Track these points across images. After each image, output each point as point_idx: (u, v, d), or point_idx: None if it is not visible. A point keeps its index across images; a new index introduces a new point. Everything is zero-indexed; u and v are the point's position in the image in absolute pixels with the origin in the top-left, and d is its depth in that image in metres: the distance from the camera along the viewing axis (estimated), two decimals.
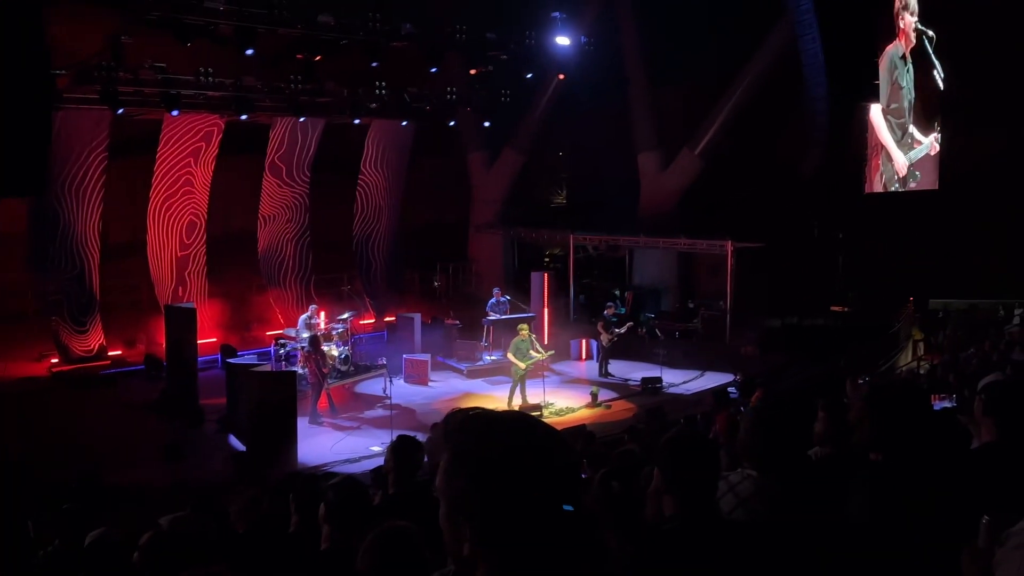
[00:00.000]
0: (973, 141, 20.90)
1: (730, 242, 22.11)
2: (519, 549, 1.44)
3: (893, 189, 22.76)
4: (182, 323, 16.44)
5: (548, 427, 1.55)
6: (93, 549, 4.63)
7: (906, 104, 22.57)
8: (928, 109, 22.33)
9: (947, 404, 9.84)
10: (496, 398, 17.00)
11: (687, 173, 24.90)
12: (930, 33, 21.83)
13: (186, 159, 20.62)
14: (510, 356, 16.34)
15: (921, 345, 17.61)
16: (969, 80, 20.93)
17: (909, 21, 22.15)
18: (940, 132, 22.15)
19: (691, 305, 23.89)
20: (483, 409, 1.60)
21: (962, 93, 21.01)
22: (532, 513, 1.44)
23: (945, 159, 21.82)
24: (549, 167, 31.11)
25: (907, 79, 22.42)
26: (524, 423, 1.54)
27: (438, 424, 9.08)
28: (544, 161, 29.83)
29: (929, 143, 22.23)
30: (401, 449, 4.91)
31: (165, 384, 16.76)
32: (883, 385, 2.91)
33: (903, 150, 22.61)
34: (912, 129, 22.52)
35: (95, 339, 19.34)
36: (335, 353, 17.13)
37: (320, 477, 7.58)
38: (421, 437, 5.49)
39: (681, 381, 18.62)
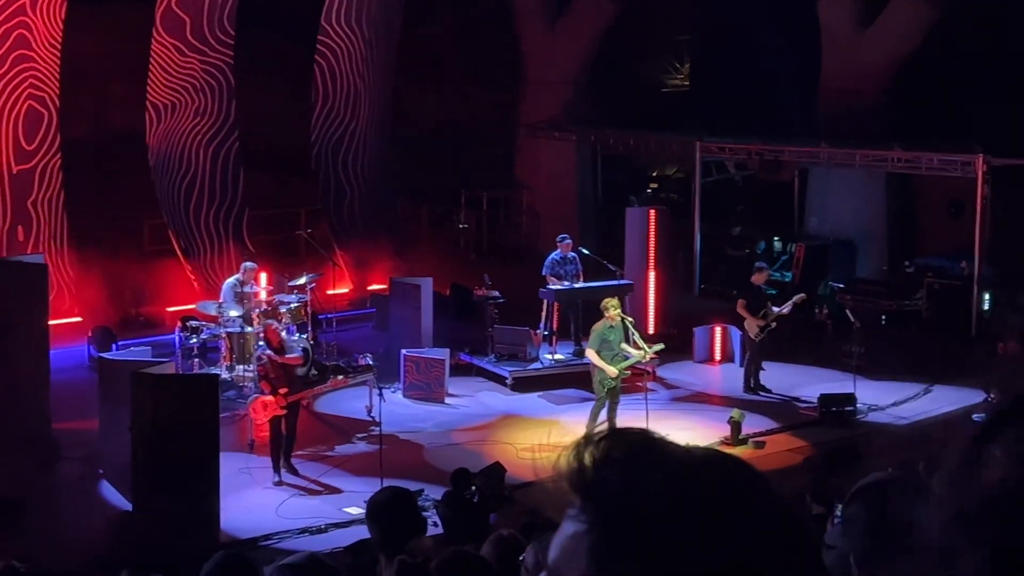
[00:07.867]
0: None
1: (982, 156, 21.90)
2: None
3: None
4: (23, 289, 16.52)
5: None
6: None
7: None
8: None
9: None
10: (563, 426, 17.03)
11: (907, 31, 24.69)
12: None
13: (18, 2, 20.72)
14: (590, 355, 16.45)
15: None
16: None
17: None
18: None
19: (910, 269, 23.78)
20: (656, 436, 1.56)
21: None
22: None
23: None
24: (661, 24, 30.94)
25: None
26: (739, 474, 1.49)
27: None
28: (652, 13, 29.67)
29: None
30: (386, 511, 5.00)
31: None
32: None
33: None
34: None
35: None
36: None
37: (259, 556, 7.62)
38: (431, 491, 5.57)
39: (890, 402, 18.64)
